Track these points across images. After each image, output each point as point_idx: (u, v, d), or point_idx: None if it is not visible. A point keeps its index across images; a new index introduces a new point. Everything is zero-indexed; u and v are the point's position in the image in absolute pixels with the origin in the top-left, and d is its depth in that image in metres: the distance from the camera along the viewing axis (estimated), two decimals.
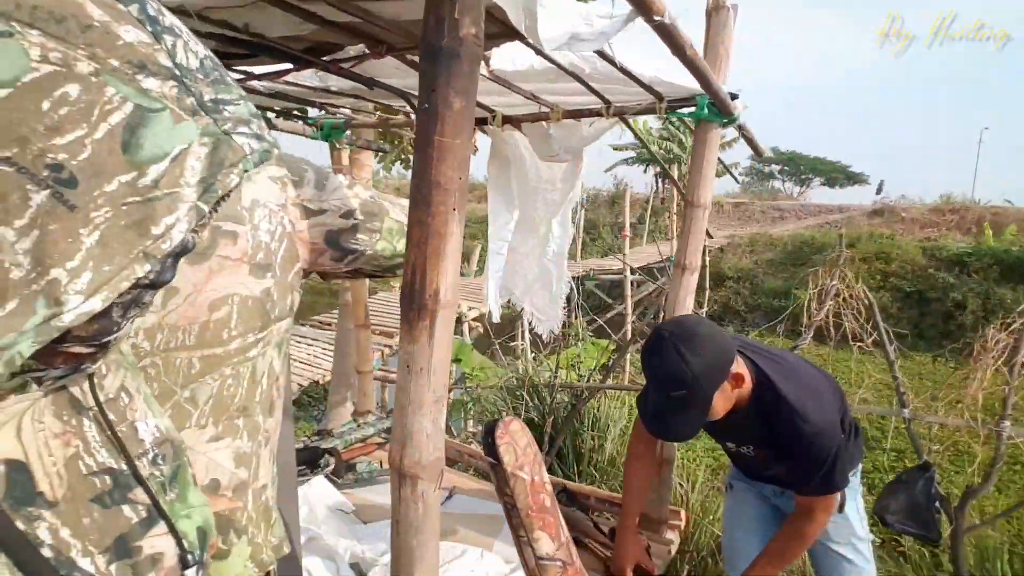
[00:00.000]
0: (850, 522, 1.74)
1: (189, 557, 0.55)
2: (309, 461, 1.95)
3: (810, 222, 19.36)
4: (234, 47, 1.62)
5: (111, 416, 0.54)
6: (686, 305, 1.95)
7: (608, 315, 9.32)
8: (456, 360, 6.10)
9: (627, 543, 1.79)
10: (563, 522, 1.35)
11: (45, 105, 0.35)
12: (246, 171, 0.43)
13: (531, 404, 3.80)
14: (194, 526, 0.58)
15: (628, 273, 8.97)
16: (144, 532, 0.52)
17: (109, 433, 0.53)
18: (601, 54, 1.63)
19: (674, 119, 20.05)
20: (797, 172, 34.14)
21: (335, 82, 1.98)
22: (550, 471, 2.90)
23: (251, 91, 1.91)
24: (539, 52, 1.65)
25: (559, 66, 1.69)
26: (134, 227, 0.38)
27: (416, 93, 2.12)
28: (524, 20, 1.00)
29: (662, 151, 19.61)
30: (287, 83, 1.93)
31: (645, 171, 22.15)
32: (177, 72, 0.40)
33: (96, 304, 0.37)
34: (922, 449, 2.58)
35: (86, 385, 0.52)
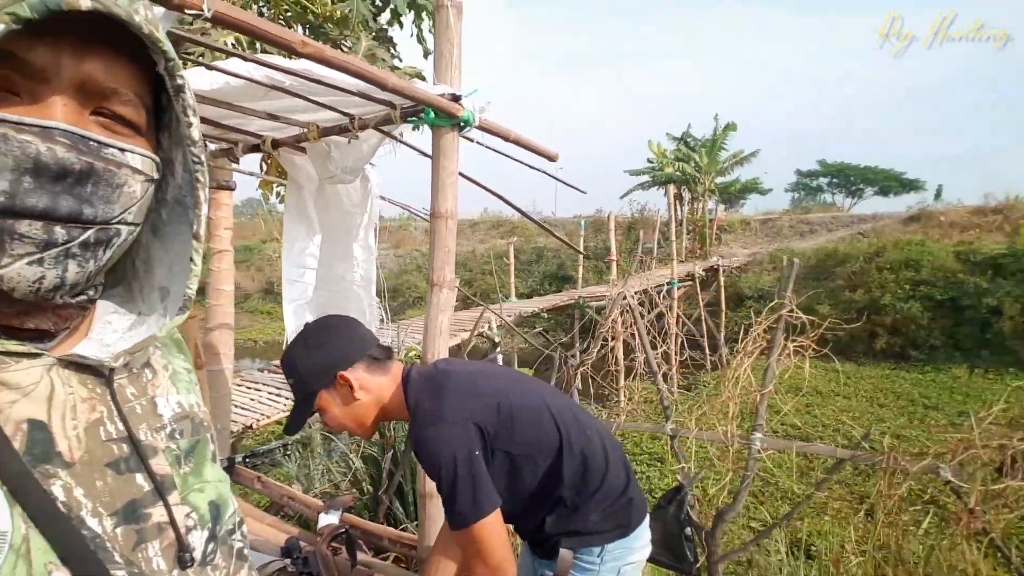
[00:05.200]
0: None
1: (186, 528, 0.56)
2: None
3: (841, 234, 18.46)
4: None
5: (131, 390, 0.56)
6: (440, 325, 1.80)
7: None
8: None
9: None
10: None
11: None
12: None
13: None
14: (206, 500, 0.60)
15: (619, 298, 8.72)
16: (155, 500, 0.54)
17: (128, 405, 0.55)
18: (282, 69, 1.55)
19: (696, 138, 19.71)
20: (847, 183, 32.45)
21: None
22: (388, 512, 2.71)
23: None
24: (211, 67, 1.58)
25: (251, 80, 1.61)
26: None
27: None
28: None
29: (677, 171, 19.28)
30: None
31: (665, 194, 21.78)
32: None
33: None
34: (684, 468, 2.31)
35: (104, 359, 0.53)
